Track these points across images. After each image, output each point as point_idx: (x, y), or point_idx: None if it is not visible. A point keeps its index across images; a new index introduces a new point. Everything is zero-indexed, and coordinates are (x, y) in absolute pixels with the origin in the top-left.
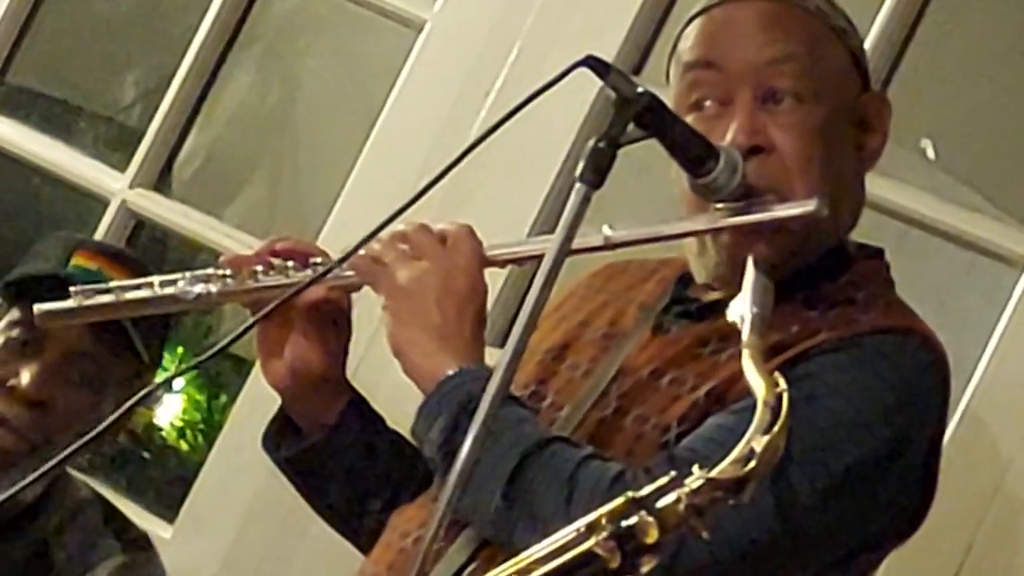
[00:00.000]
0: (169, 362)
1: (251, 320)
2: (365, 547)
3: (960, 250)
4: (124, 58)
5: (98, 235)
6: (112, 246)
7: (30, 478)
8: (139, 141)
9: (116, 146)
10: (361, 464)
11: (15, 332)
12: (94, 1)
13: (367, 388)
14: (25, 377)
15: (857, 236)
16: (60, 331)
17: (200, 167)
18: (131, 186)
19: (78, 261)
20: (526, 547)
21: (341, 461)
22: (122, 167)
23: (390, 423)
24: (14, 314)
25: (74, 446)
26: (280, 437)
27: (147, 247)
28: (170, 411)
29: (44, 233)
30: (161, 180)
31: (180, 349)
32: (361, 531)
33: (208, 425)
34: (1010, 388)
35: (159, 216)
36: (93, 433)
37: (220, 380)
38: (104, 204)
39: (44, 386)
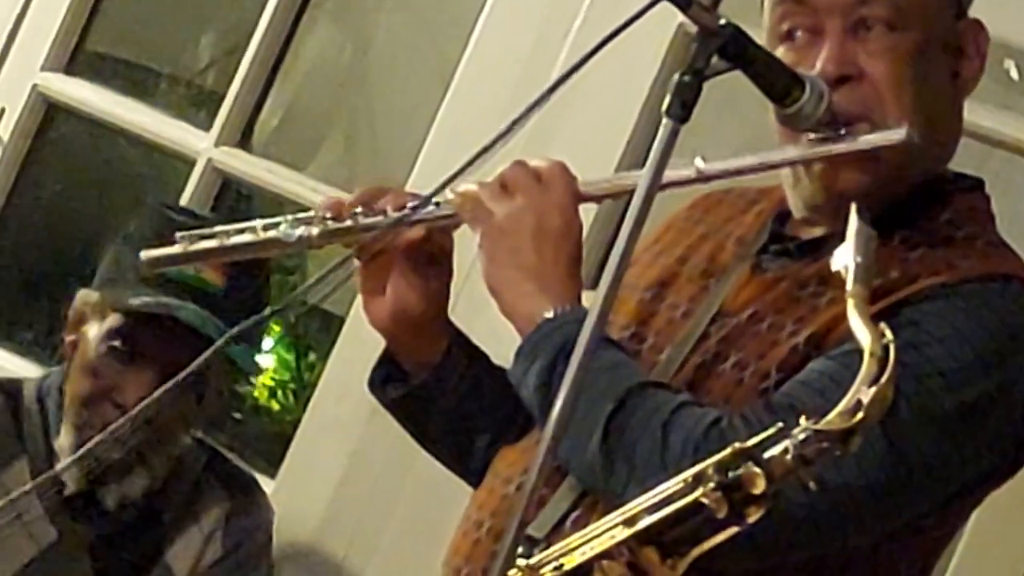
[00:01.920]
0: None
1: (343, 258)
2: (475, 483)
3: None
4: (200, 21)
5: (185, 195)
6: (214, 218)
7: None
8: (218, 102)
9: (196, 107)
10: (466, 402)
11: (117, 341)
12: None
13: (465, 326)
14: (130, 394)
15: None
16: (159, 341)
17: (280, 124)
18: (216, 144)
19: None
20: (622, 492)
21: (446, 400)
22: (204, 127)
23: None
24: (114, 320)
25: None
26: (386, 379)
27: (233, 205)
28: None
29: (131, 196)
30: (244, 138)
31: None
32: (471, 468)
33: (298, 383)
34: None
35: (244, 173)
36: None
37: (309, 338)
38: (190, 164)
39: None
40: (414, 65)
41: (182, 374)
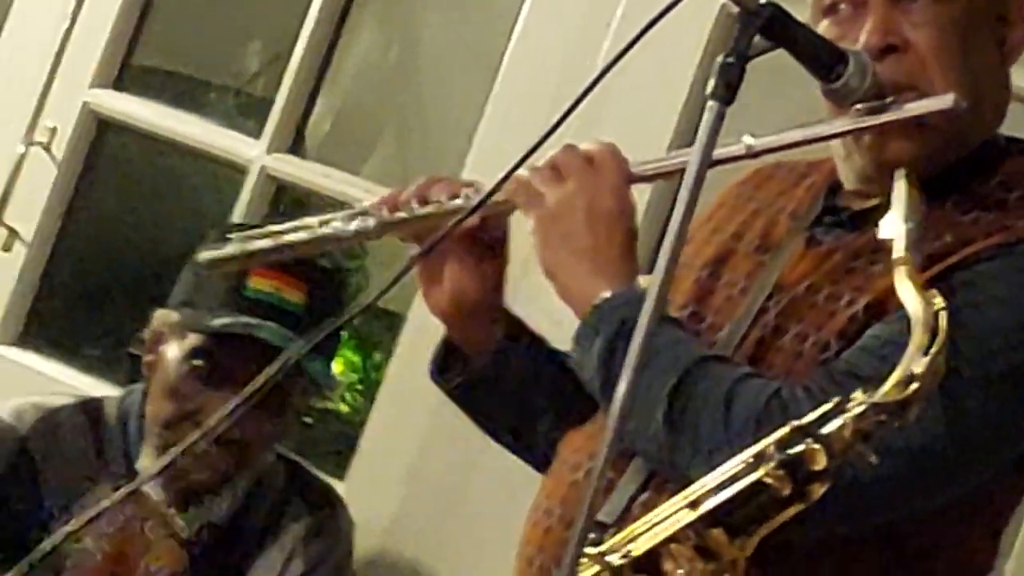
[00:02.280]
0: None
1: (411, 257)
2: (542, 467)
3: None
4: (246, 29)
5: (241, 203)
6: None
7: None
8: (268, 109)
9: (246, 115)
10: (527, 386)
11: (198, 362)
12: None
13: (525, 312)
14: (213, 415)
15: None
16: (240, 361)
17: (332, 127)
18: (268, 151)
19: (257, 284)
20: (688, 466)
21: (507, 384)
22: (255, 135)
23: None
24: (193, 339)
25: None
26: (447, 367)
27: (289, 210)
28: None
29: (187, 208)
30: (295, 143)
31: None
32: (536, 452)
33: (366, 384)
34: None
35: (298, 178)
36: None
37: (373, 338)
38: (244, 172)
39: (232, 424)
40: (462, 59)
41: (259, 386)
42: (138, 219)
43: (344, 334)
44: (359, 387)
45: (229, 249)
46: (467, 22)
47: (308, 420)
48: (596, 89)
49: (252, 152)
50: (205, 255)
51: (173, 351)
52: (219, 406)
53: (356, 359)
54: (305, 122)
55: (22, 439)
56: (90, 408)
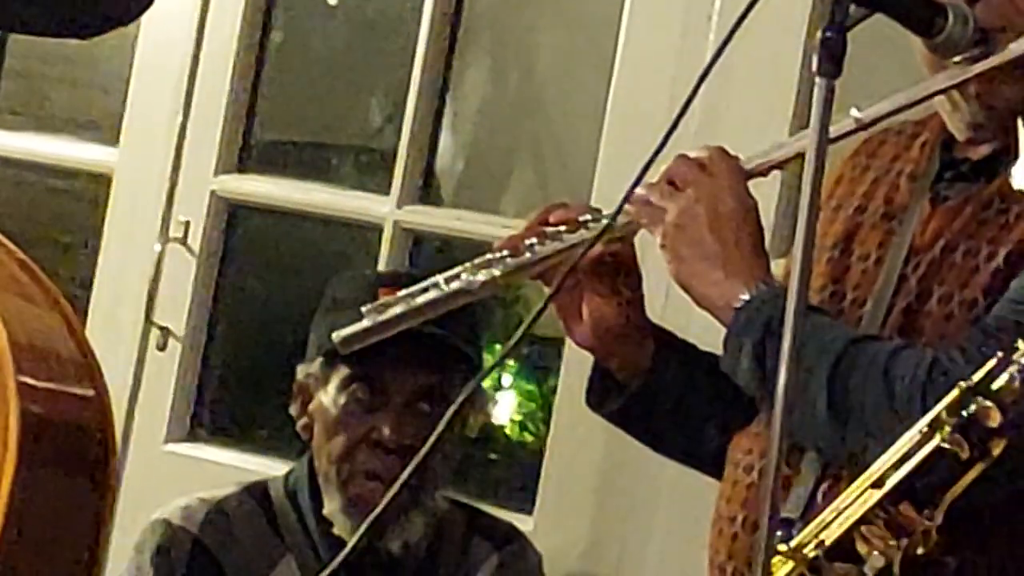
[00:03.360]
0: (491, 362)
1: (545, 298)
2: (716, 473)
3: None
4: (364, 84)
5: (381, 261)
6: (404, 272)
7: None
8: (394, 162)
9: (373, 172)
10: (686, 397)
11: (354, 388)
12: (311, 43)
13: (679, 326)
14: (385, 428)
15: None
16: (399, 377)
17: (464, 169)
18: (399, 206)
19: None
20: (861, 453)
21: (666, 400)
22: (385, 191)
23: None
24: (343, 371)
25: (413, 463)
26: (603, 393)
27: (431, 259)
28: (507, 408)
29: (328, 276)
30: (427, 192)
31: (497, 347)
32: (707, 460)
33: (547, 412)
34: None
35: (434, 226)
36: (426, 447)
37: (546, 366)
38: (378, 230)
39: (405, 429)
40: (579, 75)
41: (448, 420)
42: (283, 295)
43: (512, 364)
44: (540, 415)
45: (364, 323)
46: (578, 35)
47: (493, 456)
48: (711, 85)
49: (383, 209)
50: (341, 333)
51: (326, 394)
52: (387, 419)
53: (531, 387)
54: (431, 169)
55: (195, 538)
56: (256, 491)
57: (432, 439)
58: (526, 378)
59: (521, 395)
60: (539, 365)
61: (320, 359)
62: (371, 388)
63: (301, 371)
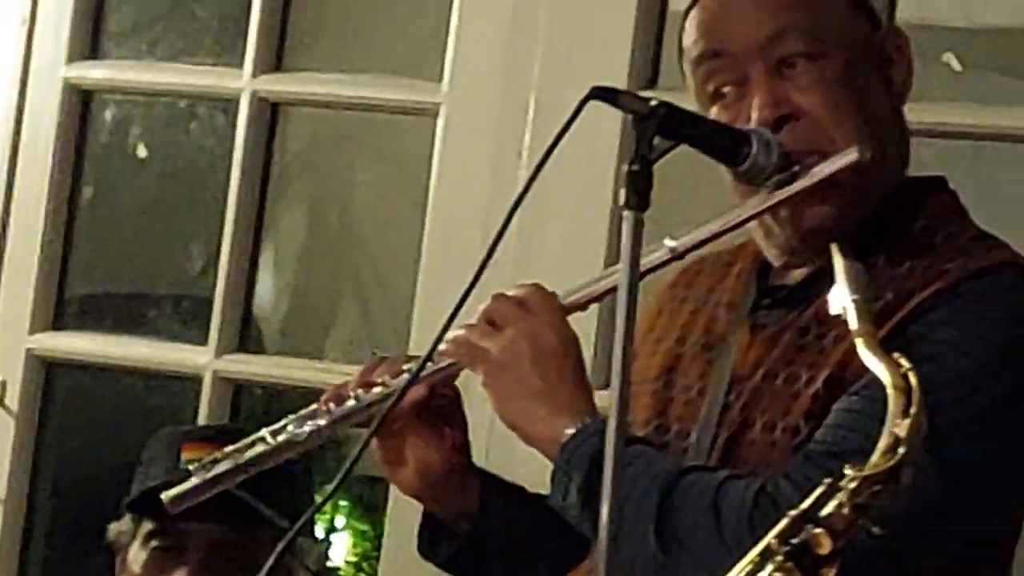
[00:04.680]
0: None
1: (363, 440)
2: None
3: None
4: (174, 235)
5: (201, 411)
6: (213, 427)
7: None
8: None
9: (192, 322)
10: (516, 539)
11: (155, 542)
12: (122, 196)
13: (505, 466)
14: None
15: (916, 167)
16: (197, 531)
17: (288, 313)
18: (217, 355)
19: (189, 456)
20: None
21: (496, 543)
22: (204, 340)
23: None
24: (147, 526)
25: None
26: (433, 540)
27: (255, 407)
28: (341, 549)
29: (152, 429)
30: (247, 339)
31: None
32: None
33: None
34: None
35: (256, 375)
36: None
37: (378, 505)
38: (198, 381)
39: None
40: (398, 212)
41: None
42: (104, 453)
43: (344, 505)
44: (375, 555)
45: (193, 481)
46: (393, 172)
47: None
48: (525, 219)
49: (201, 359)
50: (169, 494)
51: (133, 550)
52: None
53: (366, 527)
54: (250, 316)
55: None
56: None
57: None
58: (359, 518)
59: (355, 535)
60: (371, 504)
61: (128, 516)
62: (173, 542)
63: (113, 530)
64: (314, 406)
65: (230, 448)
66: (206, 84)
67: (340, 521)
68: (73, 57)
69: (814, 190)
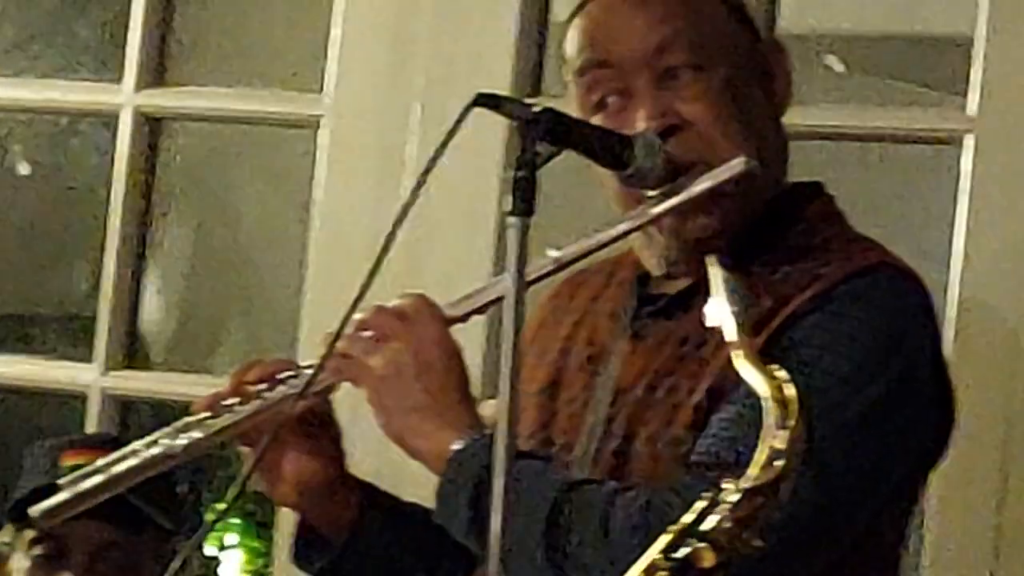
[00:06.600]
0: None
1: (249, 463)
2: None
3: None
4: (58, 254)
5: (88, 429)
6: (98, 435)
7: None
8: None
9: (82, 339)
10: (394, 550)
11: (36, 550)
12: (3, 215)
13: (392, 480)
14: None
15: (803, 169)
16: (80, 532)
17: (175, 329)
18: (103, 372)
19: (68, 463)
20: None
21: (374, 553)
22: (88, 358)
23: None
24: (29, 534)
25: None
26: (308, 550)
27: (144, 424)
28: (233, 566)
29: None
30: (133, 356)
31: (221, 505)
32: None
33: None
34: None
35: (143, 391)
36: None
37: (269, 521)
38: (84, 399)
39: None
40: (284, 225)
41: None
42: None
43: (236, 523)
44: (269, 571)
45: (62, 495)
46: (278, 186)
47: None
48: (411, 230)
49: (87, 377)
50: (37, 508)
51: (16, 558)
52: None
53: (258, 544)
54: (136, 332)
55: None
56: None
57: None
58: (252, 536)
59: (249, 552)
60: (263, 522)
61: (9, 526)
62: (53, 548)
63: None
64: (188, 419)
65: (102, 461)
66: (87, 100)
67: (232, 538)
68: None
69: (697, 201)
